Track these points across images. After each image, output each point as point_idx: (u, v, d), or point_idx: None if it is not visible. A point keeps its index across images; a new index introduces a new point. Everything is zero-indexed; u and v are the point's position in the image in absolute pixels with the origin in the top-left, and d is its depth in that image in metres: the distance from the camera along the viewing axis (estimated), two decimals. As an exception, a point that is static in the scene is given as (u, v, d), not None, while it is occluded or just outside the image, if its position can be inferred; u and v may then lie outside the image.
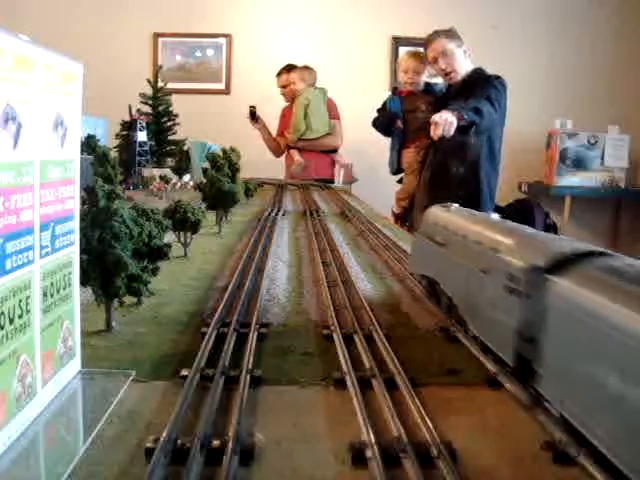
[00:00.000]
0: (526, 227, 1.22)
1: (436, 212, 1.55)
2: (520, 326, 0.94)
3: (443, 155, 4.03)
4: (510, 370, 1.03)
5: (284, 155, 6.43)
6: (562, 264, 0.87)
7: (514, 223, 1.27)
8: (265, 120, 6.33)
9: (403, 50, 7.33)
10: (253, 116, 6.19)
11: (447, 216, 1.47)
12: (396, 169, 4.65)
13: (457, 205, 1.54)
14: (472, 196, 3.77)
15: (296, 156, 6.02)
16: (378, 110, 4.61)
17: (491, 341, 1.11)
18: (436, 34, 3.99)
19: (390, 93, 4.73)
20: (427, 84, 4.43)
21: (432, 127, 3.35)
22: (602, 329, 0.71)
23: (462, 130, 3.45)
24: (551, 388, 0.87)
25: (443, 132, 3.31)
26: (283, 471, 0.78)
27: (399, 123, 4.40)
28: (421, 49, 4.30)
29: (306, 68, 6.09)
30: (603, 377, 0.70)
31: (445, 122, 3.30)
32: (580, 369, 0.77)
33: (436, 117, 3.34)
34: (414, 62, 4.34)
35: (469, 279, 1.17)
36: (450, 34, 3.98)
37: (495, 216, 1.37)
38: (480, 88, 3.72)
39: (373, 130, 4.76)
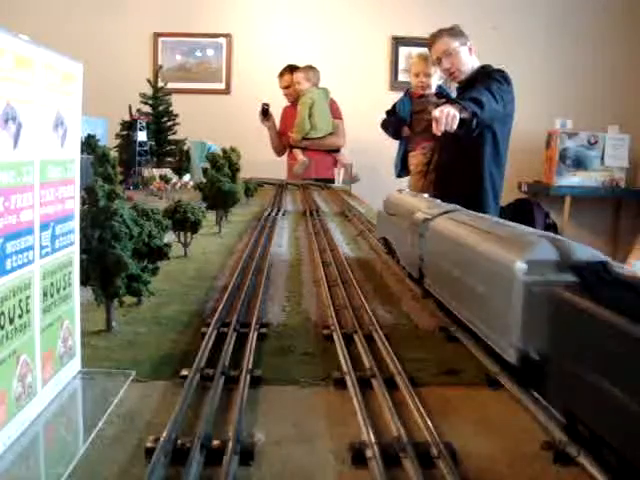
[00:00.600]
0: (436, 200, 1.93)
1: (392, 195, 2.20)
2: (419, 252, 1.59)
3: (448, 157, 4.01)
4: (413, 278, 1.73)
5: (285, 154, 6.43)
6: (436, 216, 1.52)
7: (433, 199, 2.01)
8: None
9: (403, 50, 7.36)
10: (265, 113, 6.17)
11: (398, 196, 2.14)
12: (399, 172, 4.64)
13: (408, 190, 2.18)
14: (476, 197, 3.73)
15: (300, 155, 6.02)
16: (387, 112, 4.58)
17: (406, 265, 1.82)
18: (439, 33, 3.89)
19: (402, 95, 4.69)
20: (440, 87, 4.39)
21: (433, 123, 3.24)
22: (454, 246, 1.30)
23: (463, 123, 3.32)
24: (433, 284, 1.50)
25: (445, 127, 3.19)
26: (283, 471, 0.78)
27: (406, 131, 4.38)
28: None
29: (310, 68, 6.08)
30: (457, 273, 1.26)
31: (447, 116, 3.18)
32: (444, 270, 1.36)
33: (436, 112, 3.22)
34: (424, 65, 4.31)
35: (401, 232, 1.84)
36: (453, 32, 3.87)
37: (426, 196, 2.16)
38: (481, 82, 3.63)
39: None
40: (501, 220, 1.38)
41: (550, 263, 0.93)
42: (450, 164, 3.96)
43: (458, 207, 1.61)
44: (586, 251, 0.95)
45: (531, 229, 1.19)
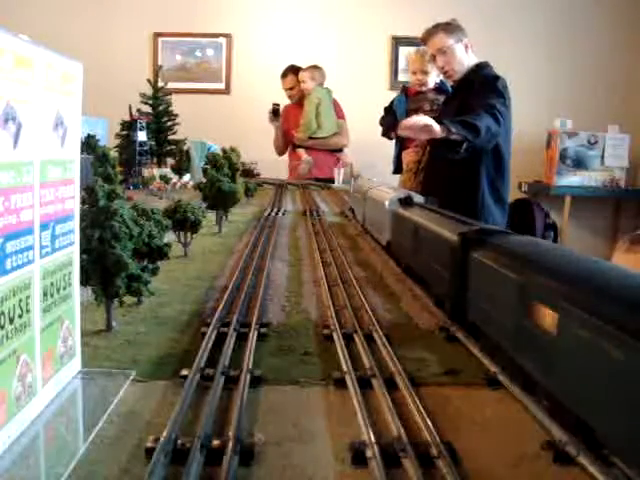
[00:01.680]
0: (373, 179, 3.23)
1: (355, 182, 3.52)
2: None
3: (434, 158, 3.92)
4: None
5: (286, 154, 6.42)
6: (370, 188, 2.66)
7: (373, 180, 3.21)
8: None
9: (403, 50, 7.35)
10: (276, 113, 6.15)
11: (358, 182, 3.40)
12: (395, 169, 4.65)
13: (364, 177, 3.62)
14: (468, 200, 3.54)
15: (304, 155, 6.01)
16: (385, 108, 4.57)
17: (359, 218, 2.98)
18: (434, 29, 3.72)
19: (399, 92, 4.68)
20: (441, 82, 4.36)
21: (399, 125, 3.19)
22: (372, 200, 2.54)
23: (451, 145, 3.17)
24: (367, 224, 2.73)
25: (409, 134, 3.16)
26: (283, 471, 0.78)
27: (392, 135, 4.35)
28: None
29: (316, 67, 6.05)
30: (372, 213, 2.59)
31: (412, 126, 3.08)
32: (370, 213, 2.67)
33: (406, 121, 3.16)
34: (421, 63, 4.29)
35: (357, 201, 3.07)
36: (449, 28, 3.69)
37: (375, 179, 3.18)
38: (480, 94, 3.39)
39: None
40: (394, 187, 2.80)
41: (396, 201, 2.20)
42: (436, 166, 3.82)
43: (383, 184, 2.82)
44: (416, 196, 2.25)
45: (402, 190, 2.50)
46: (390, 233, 2.22)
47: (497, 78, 3.53)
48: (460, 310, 1.34)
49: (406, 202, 2.15)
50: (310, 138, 6.01)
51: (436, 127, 3.07)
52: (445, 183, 3.59)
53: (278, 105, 6.17)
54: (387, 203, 2.21)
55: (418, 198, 2.23)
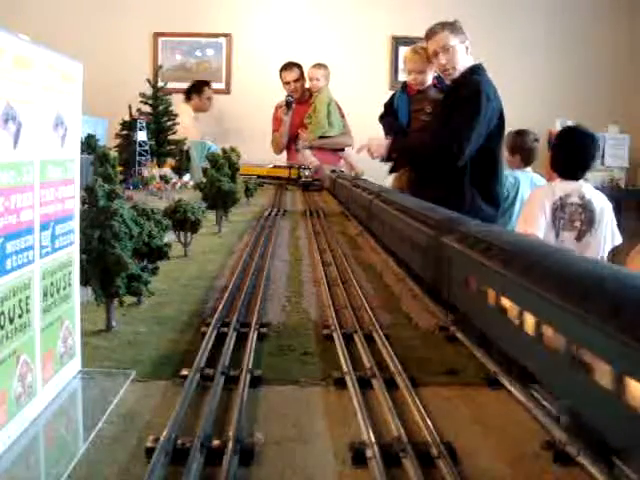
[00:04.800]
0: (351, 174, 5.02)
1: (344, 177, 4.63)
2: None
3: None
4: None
5: (284, 153, 6.40)
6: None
7: (347, 174, 4.96)
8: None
9: (403, 50, 7.34)
10: (289, 106, 6.07)
11: (340, 175, 4.86)
12: (391, 168, 4.67)
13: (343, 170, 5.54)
14: (455, 197, 3.46)
15: (311, 157, 5.91)
16: (385, 105, 4.56)
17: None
18: (440, 27, 3.78)
19: (398, 89, 4.66)
20: (438, 77, 4.34)
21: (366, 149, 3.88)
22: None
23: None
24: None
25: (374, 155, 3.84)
26: (283, 471, 0.78)
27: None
28: (424, 44, 4.15)
29: (325, 66, 6.00)
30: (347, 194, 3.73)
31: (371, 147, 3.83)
32: (350, 196, 3.55)
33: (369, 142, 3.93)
34: (417, 62, 4.27)
35: (356, 196, 3.25)
36: (455, 28, 3.77)
37: (352, 173, 4.96)
38: (460, 109, 3.48)
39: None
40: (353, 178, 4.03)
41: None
42: (424, 165, 3.89)
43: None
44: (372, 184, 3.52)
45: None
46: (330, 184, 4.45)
47: (479, 93, 3.50)
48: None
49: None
50: (320, 137, 5.97)
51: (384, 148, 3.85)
52: (431, 182, 3.66)
53: (292, 97, 6.04)
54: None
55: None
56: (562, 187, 3.21)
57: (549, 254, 1.01)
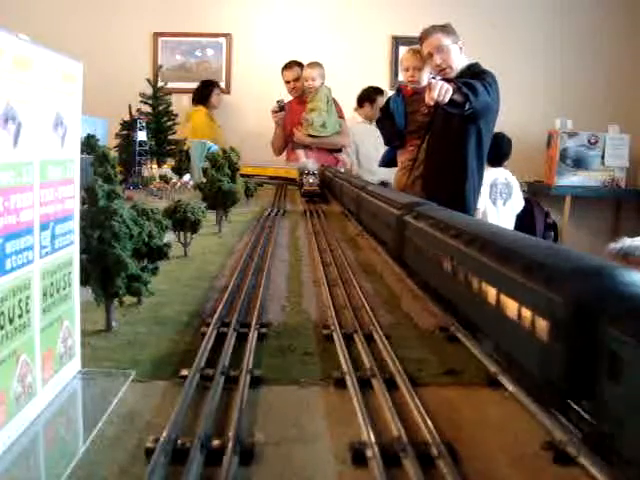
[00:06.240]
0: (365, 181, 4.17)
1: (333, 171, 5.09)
2: (355, 202, 3.11)
3: (432, 154, 4.01)
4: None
5: (285, 153, 6.40)
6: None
7: (361, 180, 4.24)
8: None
9: (403, 50, 7.34)
10: (282, 108, 6.11)
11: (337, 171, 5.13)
12: (382, 162, 4.72)
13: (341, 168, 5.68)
14: (458, 195, 3.72)
15: (303, 158, 5.90)
16: (381, 110, 4.58)
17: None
18: (432, 29, 3.92)
19: (394, 92, 4.68)
20: (433, 77, 4.36)
21: (427, 90, 3.26)
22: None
23: (454, 105, 3.36)
24: (341, 198, 3.88)
25: (437, 97, 3.20)
26: (283, 471, 0.78)
27: (399, 143, 4.40)
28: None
29: (320, 65, 6.00)
30: (348, 200, 3.58)
31: (441, 87, 3.20)
32: (342, 191, 3.90)
33: (432, 81, 3.32)
34: (414, 60, 4.31)
35: (350, 192, 3.43)
36: (446, 30, 3.90)
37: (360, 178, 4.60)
38: (471, 78, 3.64)
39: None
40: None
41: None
42: (434, 162, 3.96)
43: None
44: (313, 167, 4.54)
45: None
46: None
47: (486, 72, 3.75)
48: None
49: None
50: (311, 136, 5.96)
51: (451, 89, 3.28)
52: (439, 180, 3.84)
53: (283, 101, 6.11)
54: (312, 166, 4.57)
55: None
56: (493, 171, 4.78)
57: (470, 224, 1.47)
